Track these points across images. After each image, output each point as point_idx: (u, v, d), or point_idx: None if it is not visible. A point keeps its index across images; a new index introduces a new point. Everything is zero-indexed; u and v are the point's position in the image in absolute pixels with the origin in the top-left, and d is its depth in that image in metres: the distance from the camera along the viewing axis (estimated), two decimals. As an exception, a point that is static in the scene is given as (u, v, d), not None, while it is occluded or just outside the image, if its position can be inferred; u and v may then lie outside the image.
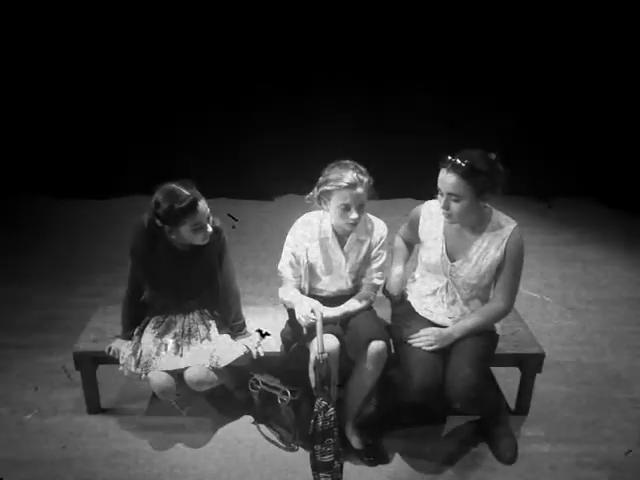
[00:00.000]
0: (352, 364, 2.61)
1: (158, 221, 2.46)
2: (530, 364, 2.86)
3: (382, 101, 5.44)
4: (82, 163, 5.49)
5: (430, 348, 2.50)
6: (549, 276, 4.39)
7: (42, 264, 4.43)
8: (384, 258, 2.71)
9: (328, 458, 2.36)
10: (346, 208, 2.49)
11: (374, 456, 2.65)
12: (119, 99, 5.31)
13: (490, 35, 5.18)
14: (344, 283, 2.72)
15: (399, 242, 2.90)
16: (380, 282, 2.73)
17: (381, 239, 2.68)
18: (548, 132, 5.49)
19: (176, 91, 5.30)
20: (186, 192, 2.44)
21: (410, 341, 2.54)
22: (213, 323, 2.74)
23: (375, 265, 2.69)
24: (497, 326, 2.70)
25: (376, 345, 2.50)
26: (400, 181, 5.42)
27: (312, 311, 2.51)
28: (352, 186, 2.45)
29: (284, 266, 2.70)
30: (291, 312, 2.70)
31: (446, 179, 2.38)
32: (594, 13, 5.09)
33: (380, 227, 2.70)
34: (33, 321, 3.68)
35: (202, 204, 2.48)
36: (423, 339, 2.53)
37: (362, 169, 2.52)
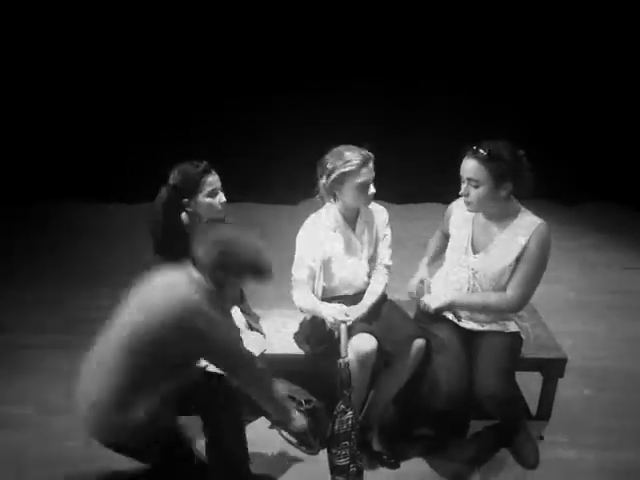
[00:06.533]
0: (383, 363, 2.60)
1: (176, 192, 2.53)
2: (552, 369, 2.84)
3: (406, 104, 5.43)
4: (111, 167, 5.51)
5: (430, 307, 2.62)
6: (573, 281, 4.34)
7: (71, 267, 4.49)
8: (390, 237, 2.76)
9: (344, 462, 2.36)
10: (365, 185, 2.53)
11: (395, 459, 2.65)
12: (142, 106, 5.34)
13: (515, 42, 5.17)
14: (363, 269, 2.72)
15: (436, 234, 2.94)
16: (391, 262, 2.77)
17: (384, 220, 2.74)
18: (572, 134, 5.43)
19: (197, 98, 5.35)
20: (198, 162, 2.56)
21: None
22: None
23: (383, 246, 2.74)
24: (517, 328, 2.69)
25: (419, 343, 2.54)
26: (428, 185, 5.44)
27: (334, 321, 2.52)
28: (367, 161, 2.52)
29: (299, 270, 2.65)
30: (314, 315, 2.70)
31: (466, 164, 2.44)
32: (599, 19, 5.06)
33: (380, 209, 2.77)
34: (62, 323, 3.74)
35: (214, 173, 2.59)
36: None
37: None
